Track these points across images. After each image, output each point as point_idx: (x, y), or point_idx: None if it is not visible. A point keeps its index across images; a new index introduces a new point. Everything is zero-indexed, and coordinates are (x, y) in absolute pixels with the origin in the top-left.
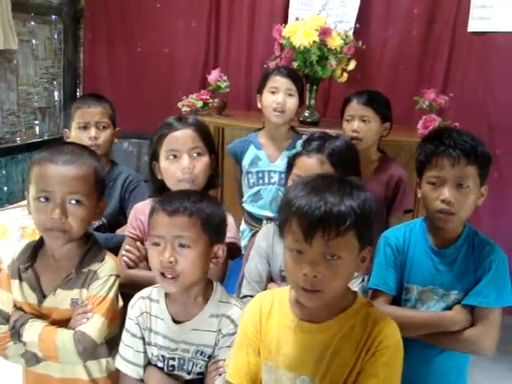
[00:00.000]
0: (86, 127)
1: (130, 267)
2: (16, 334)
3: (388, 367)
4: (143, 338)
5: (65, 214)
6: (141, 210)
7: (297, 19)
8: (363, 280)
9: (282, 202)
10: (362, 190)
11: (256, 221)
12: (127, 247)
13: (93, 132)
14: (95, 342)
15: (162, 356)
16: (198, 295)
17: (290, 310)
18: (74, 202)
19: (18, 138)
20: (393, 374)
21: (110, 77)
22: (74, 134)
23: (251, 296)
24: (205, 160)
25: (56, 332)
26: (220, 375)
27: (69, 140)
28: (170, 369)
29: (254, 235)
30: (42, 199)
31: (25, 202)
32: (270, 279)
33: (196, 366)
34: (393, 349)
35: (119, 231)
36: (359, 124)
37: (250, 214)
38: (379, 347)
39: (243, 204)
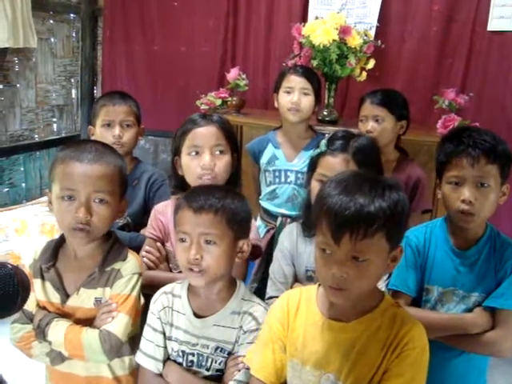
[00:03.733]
0: (110, 125)
1: (150, 268)
2: (41, 334)
3: (414, 368)
4: (164, 333)
5: (90, 213)
6: (161, 210)
7: (316, 18)
8: (389, 277)
9: (316, 198)
10: (394, 190)
11: (271, 218)
12: (147, 248)
13: (117, 130)
14: (121, 341)
15: (182, 351)
16: (222, 290)
17: (317, 308)
18: (98, 200)
19: (36, 136)
20: (418, 376)
21: (127, 75)
22: (99, 132)
23: (277, 297)
24: (226, 158)
25: (82, 331)
26: (239, 371)
27: (93, 137)
28: (189, 364)
29: (268, 231)
30: (67, 198)
31: (43, 199)
32: (296, 280)
33: (215, 362)
34: (419, 350)
35: (143, 231)
36: (373, 124)
37: (266, 211)
38: (405, 348)
39: (260, 201)
